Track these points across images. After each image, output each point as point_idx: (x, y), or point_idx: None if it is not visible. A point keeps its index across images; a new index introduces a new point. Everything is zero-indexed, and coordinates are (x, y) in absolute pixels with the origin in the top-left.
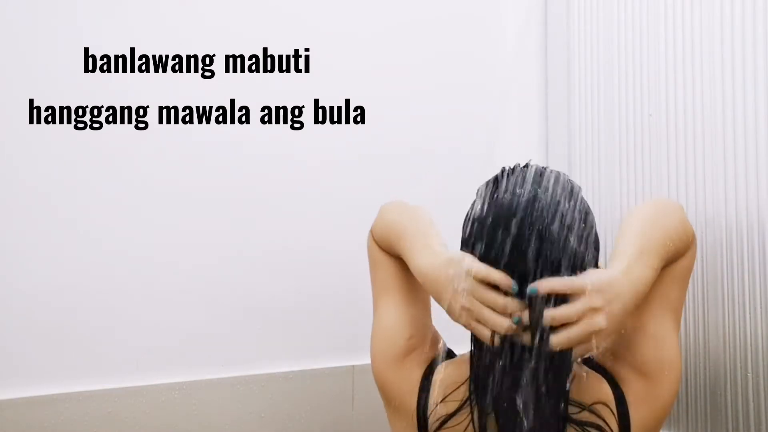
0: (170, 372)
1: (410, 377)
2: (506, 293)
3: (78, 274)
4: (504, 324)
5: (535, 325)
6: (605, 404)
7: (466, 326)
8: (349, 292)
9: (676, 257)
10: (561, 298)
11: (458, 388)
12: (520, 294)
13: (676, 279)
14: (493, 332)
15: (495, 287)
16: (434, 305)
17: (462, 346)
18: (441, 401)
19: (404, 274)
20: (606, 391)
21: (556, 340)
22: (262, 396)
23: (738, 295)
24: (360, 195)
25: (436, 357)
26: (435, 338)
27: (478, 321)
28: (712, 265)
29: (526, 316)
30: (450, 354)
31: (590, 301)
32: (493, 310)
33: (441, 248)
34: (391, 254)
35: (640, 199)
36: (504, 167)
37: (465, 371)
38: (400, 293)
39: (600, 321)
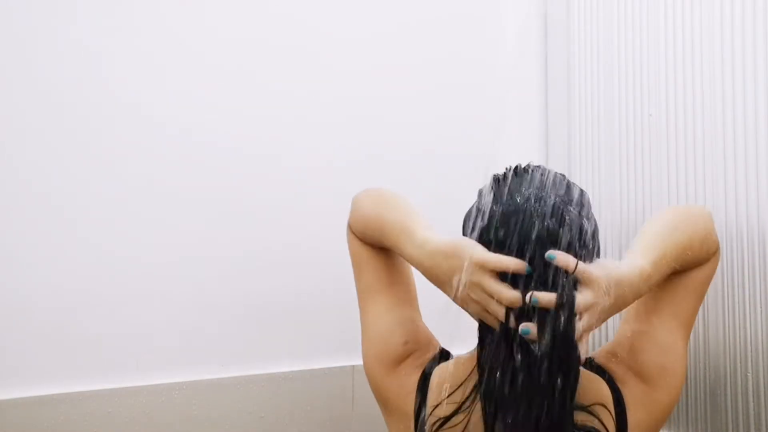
0: (170, 372)
1: (407, 381)
2: (514, 284)
3: (78, 274)
4: (510, 316)
5: (560, 303)
6: (603, 405)
7: (475, 315)
8: (349, 291)
9: (693, 265)
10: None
11: (457, 389)
12: (530, 277)
13: (691, 290)
14: (503, 320)
15: (501, 275)
16: (422, 301)
17: (455, 344)
18: (439, 404)
19: (391, 271)
20: (605, 392)
21: (583, 325)
22: (262, 396)
23: (738, 295)
24: None
25: (433, 359)
26: (429, 340)
27: (488, 312)
28: None
29: (547, 298)
30: (445, 354)
31: (601, 296)
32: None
33: (431, 233)
34: (374, 246)
35: (640, 199)
36: (507, 168)
37: (463, 372)
38: (388, 294)
39: (601, 316)
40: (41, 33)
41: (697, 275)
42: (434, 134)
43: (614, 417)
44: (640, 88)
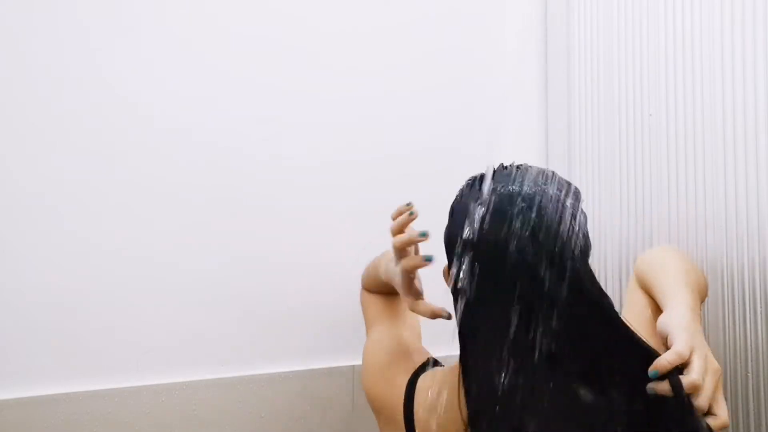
0: (170, 372)
1: (395, 385)
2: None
3: (78, 275)
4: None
5: (680, 399)
6: None
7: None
8: (349, 291)
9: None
10: None
11: (441, 393)
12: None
13: None
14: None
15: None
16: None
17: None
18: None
19: (390, 305)
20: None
21: (700, 403)
22: (262, 396)
23: (738, 295)
24: (359, 194)
25: (421, 367)
26: (419, 350)
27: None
28: (711, 265)
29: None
30: (436, 363)
31: (701, 356)
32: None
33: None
34: (375, 291)
35: (640, 200)
36: (493, 167)
37: (451, 377)
38: (383, 322)
39: (713, 362)
40: (41, 32)
41: None
42: (434, 133)
43: None
44: (640, 88)
